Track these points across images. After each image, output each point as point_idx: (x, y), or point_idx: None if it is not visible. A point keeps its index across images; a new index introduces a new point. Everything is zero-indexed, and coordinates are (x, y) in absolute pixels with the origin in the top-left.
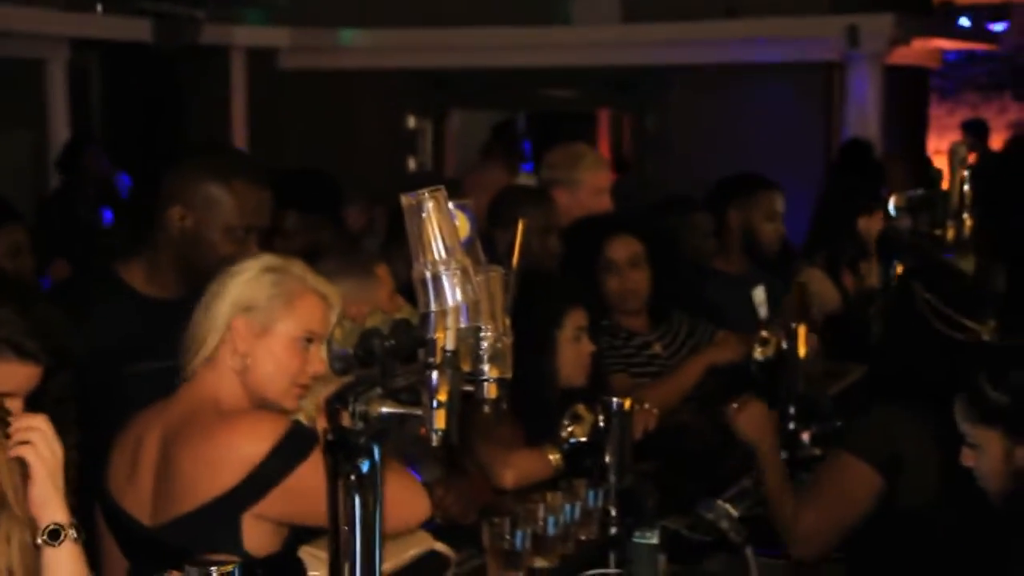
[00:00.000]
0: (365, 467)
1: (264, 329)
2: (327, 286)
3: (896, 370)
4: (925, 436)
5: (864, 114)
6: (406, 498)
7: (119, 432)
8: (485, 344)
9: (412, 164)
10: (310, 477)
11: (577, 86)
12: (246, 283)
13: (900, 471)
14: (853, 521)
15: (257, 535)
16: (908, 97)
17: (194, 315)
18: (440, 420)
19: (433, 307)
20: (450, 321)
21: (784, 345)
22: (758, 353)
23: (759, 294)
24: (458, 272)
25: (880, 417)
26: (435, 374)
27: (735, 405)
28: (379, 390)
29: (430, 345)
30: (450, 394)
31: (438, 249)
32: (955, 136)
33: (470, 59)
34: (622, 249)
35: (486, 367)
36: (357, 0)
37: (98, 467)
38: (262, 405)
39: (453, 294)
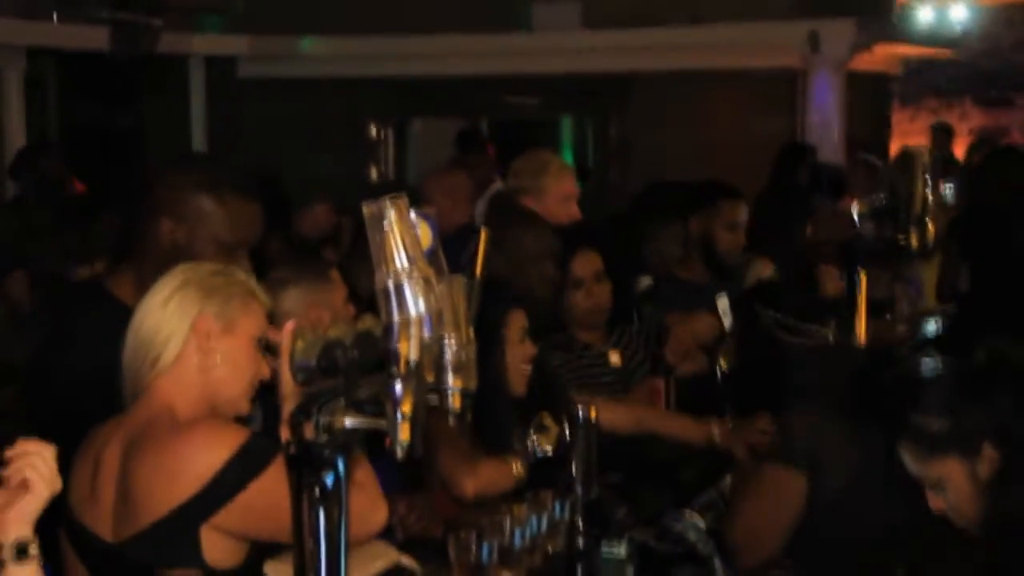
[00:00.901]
0: (329, 480)
1: (227, 328)
2: (264, 295)
3: (756, 385)
4: (837, 431)
5: (827, 119)
6: (363, 510)
7: (79, 448)
8: (449, 354)
9: (374, 173)
10: (268, 490)
11: (539, 93)
12: (202, 284)
13: (819, 466)
14: (789, 522)
15: (217, 548)
16: (870, 103)
17: (142, 328)
18: (405, 432)
19: (396, 317)
20: (413, 331)
21: None
22: (723, 363)
23: (723, 302)
24: (420, 282)
25: (793, 421)
26: (399, 385)
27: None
28: (343, 402)
29: (393, 356)
30: (415, 405)
31: (400, 259)
32: (918, 142)
33: (431, 67)
34: (587, 265)
35: (450, 377)
36: (317, 8)
37: None
38: (217, 409)
39: (416, 304)
